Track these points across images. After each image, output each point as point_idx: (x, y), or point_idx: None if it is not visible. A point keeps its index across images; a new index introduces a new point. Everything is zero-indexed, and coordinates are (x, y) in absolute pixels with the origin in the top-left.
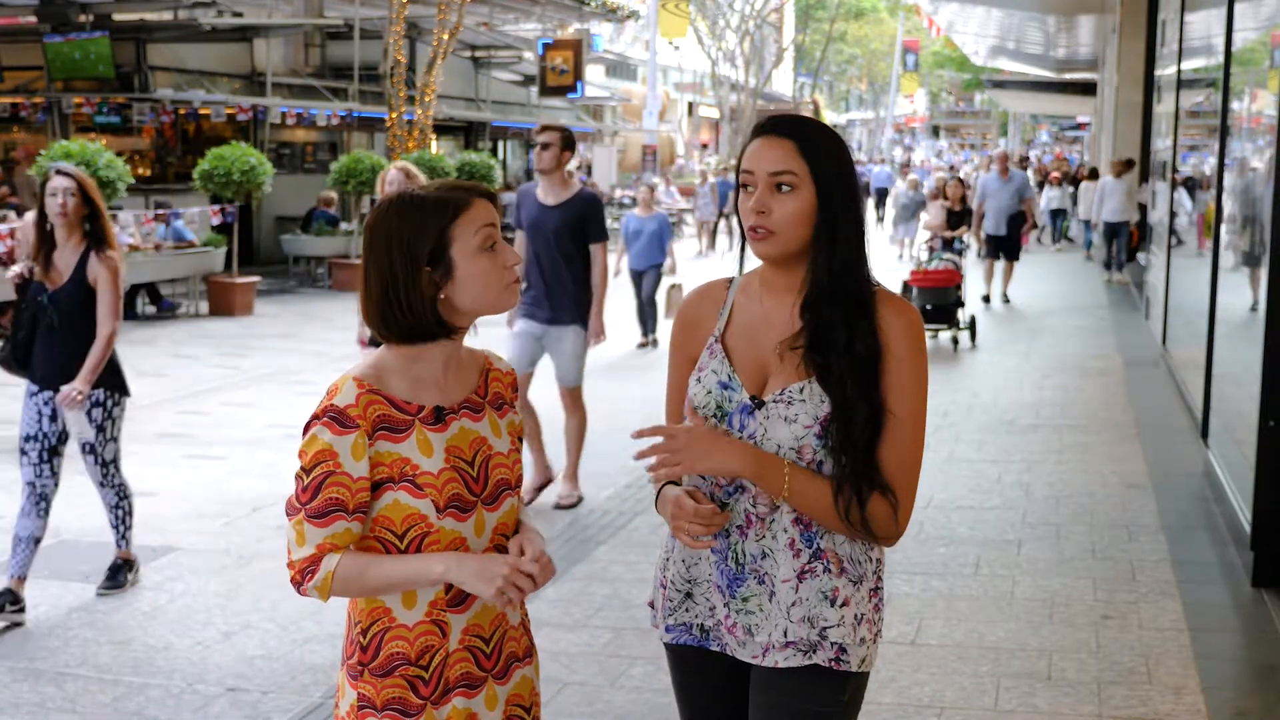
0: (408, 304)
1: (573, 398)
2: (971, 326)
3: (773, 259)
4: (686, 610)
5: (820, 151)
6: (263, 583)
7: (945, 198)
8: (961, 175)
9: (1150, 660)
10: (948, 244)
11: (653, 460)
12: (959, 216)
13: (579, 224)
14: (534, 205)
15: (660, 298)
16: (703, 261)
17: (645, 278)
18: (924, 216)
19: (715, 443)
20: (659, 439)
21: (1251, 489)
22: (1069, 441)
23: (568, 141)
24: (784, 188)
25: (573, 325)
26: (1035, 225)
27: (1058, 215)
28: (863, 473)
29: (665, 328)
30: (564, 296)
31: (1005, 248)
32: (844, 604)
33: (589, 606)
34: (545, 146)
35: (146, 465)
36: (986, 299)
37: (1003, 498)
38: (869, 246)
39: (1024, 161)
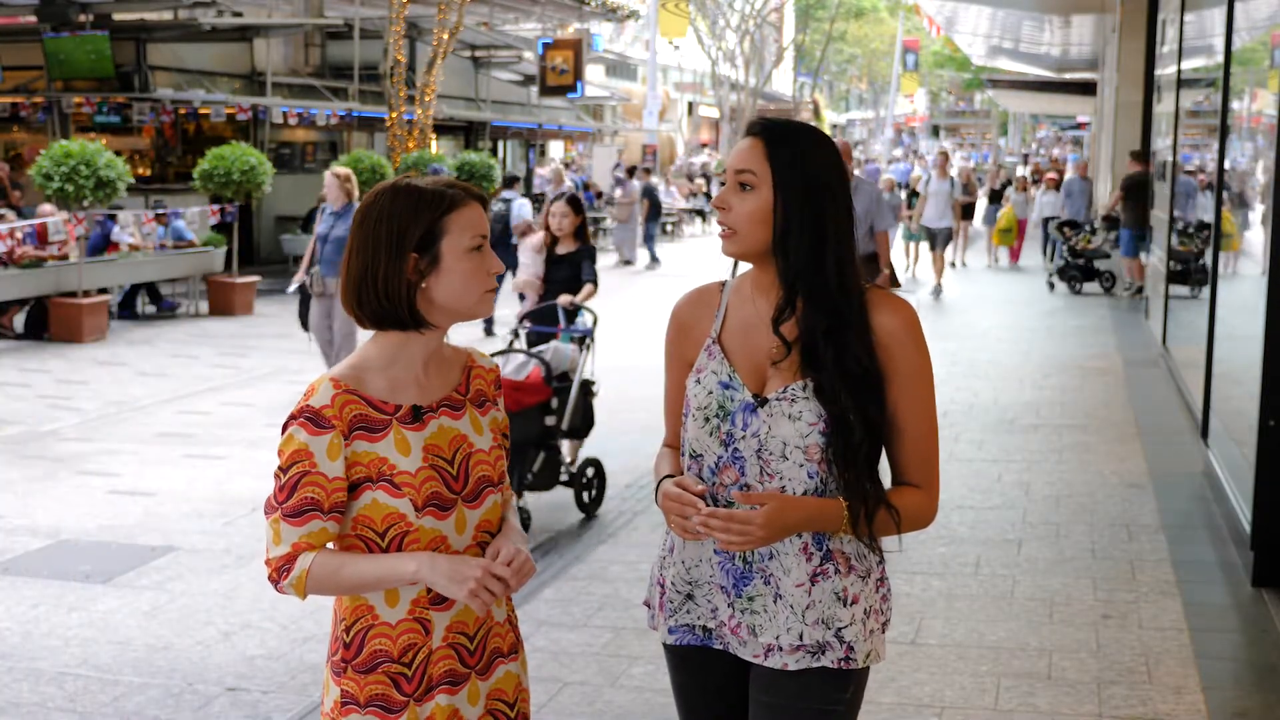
0: (385, 287)
1: None
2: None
3: (736, 257)
4: (688, 612)
5: (787, 153)
6: (262, 582)
7: (546, 228)
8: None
9: (1150, 660)
10: (570, 316)
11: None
12: (571, 262)
13: None
14: None
15: None
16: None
17: None
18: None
19: (783, 520)
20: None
21: (1251, 489)
22: (1069, 441)
23: None
24: (745, 187)
25: None
26: (893, 279)
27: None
28: (867, 487)
29: None
30: None
31: None
32: (853, 601)
33: (589, 606)
34: None
35: (146, 465)
36: None
37: (1003, 497)
38: (852, 252)
39: (1027, 162)
